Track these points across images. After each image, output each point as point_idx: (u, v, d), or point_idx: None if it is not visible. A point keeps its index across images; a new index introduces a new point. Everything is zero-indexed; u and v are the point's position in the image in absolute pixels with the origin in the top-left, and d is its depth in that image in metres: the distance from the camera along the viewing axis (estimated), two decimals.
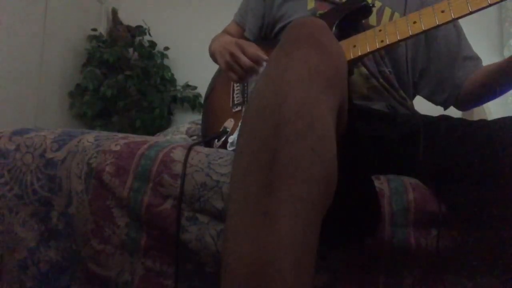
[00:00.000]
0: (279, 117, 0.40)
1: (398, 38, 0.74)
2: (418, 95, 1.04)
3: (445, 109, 1.00)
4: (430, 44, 0.97)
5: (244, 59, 0.86)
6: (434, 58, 0.97)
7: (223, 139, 0.91)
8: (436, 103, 1.00)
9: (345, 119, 0.54)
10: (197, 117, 2.23)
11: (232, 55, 0.88)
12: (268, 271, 0.35)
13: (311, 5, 0.98)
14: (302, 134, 0.40)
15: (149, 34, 2.63)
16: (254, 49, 0.87)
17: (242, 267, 0.36)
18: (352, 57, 0.79)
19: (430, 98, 1.00)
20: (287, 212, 0.37)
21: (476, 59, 0.96)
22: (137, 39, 2.63)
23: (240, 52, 0.87)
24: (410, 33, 0.73)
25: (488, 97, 0.91)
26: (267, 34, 1.08)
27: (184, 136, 1.80)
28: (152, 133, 2.25)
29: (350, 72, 0.87)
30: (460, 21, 0.95)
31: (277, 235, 0.36)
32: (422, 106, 1.07)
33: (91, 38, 2.57)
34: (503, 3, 0.80)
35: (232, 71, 0.89)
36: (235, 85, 1.01)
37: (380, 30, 0.77)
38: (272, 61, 0.48)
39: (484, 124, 0.64)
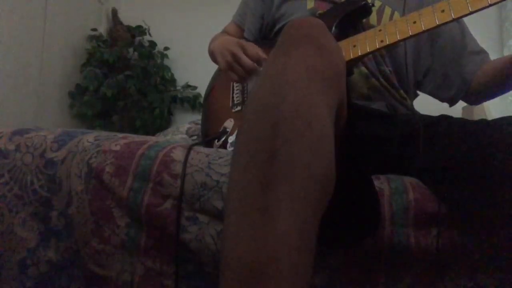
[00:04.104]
0: (277, 116, 0.40)
1: (398, 38, 0.74)
2: (423, 92, 1.03)
3: (451, 105, 0.99)
4: (434, 41, 0.97)
5: (246, 60, 0.86)
6: (439, 55, 0.97)
7: (223, 139, 0.91)
8: (442, 100, 1.00)
9: (344, 118, 0.54)
10: (197, 117, 2.23)
11: (233, 55, 0.88)
12: (266, 270, 0.35)
13: (310, 5, 0.98)
14: (300, 133, 0.40)
15: (149, 34, 2.63)
16: (255, 49, 0.87)
17: (241, 266, 0.36)
18: (352, 57, 0.79)
19: (435, 94, 1.00)
20: (286, 210, 0.37)
21: (483, 53, 0.95)
22: (137, 39, 2.63)
23: (241, 53, 0.87)
24: (410, 33, 0.73)
25: (499, 90, 0.90)
26: (267, 34, 1.08)
27: (184, 136, 1.80)
28: (152, 133, 2.25)
29: (350, 72, 0.87)
30: None
31: (275, 233, 0.36)
32: (422, 106, 1.07)
33: (91, 38, 2.57)
34: (503, 3, 0.79)
35: (233, 71, 0.89)
36: (234, 85, 1.01)
37: (380, 30, 0.77)
38: (271, 60, 0.48)
39: (484, 124, 0.64)
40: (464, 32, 0.96)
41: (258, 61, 0.86)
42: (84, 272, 0.66)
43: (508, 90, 0.88)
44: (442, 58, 0.96)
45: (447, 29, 0.95)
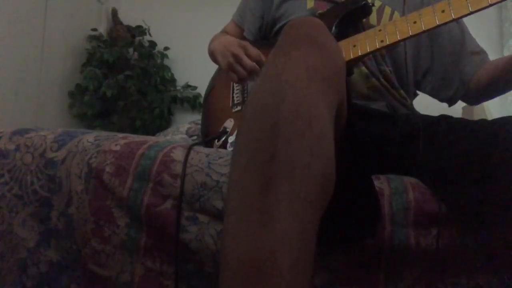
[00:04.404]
0: (277, 117, 0.40)
1: (398, 38, 0.74)
2: (422, 92, 1.03)
3: (450, 105, 1.00)
4: (434, 41, 0.97)
5: (247, 61, 0.86)
6: (438, 55, 0.97)
7: (223, 139, 0.91)
8: (442, 100, 1.00)
9: (344, 118, 0.54)
10: (197, 117, 2.23)
11: (235, 56, 0.88)
12: (266, 270, 0.35)
13: (310, 4, 0.98)
14: (300, 133, 0.40)
15: (149, 34, 2.63)
16: (257, 50, 0.87)
17: (240, 266, 0.36)
18: (352, 56, 0.79)
19: (435, 95, 1.00)
20: (285, 210, 0.37)
21: (482, 53, 0.95)
22: (137, 39, 2.63)
23: (243, 54, 0.87)
24: (410, 33, 0.73)
25: (500, 90, 0.90)
26: (267, 34, 1.08)
27: (184, 136, 1.81)
28: (152, 133, 2.25)
29: (350, 72, 0.87)
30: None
31: (275, 233, 0.36)
32: (422, 106, 1.07)
33: (91, 38, 2.57)
34: (503, 3, 0.80)
35: (234, 71, 0.89)
36: (235, 85, 1.01)
37: (380, 30, 0.77)
38: (270, 61, 0.48)
39: (484, 124, 0.64)
40: (463, 32, 0.96)
41: (259, 62, 0.86)
42: (84, 272, 0.66)
43: (507, 91, 0.89)
44: (442, 58, 0.96)
45: (447, 29, 0.95)
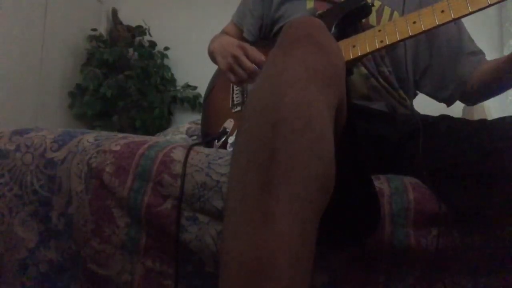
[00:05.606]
0: (277, 116, 0.41)
1: (398, 38, 0.74)
2: (421, 92, 1.03)
3: (448, 106, 1.00)
4: (432, 41, 0.97)
5: (248, 63, 0.86)
6: (436, 55, 0.97)
7: (223, 139, 0.91)
8: (440, 100, 1.00)
9: (344, 118, 0.54)
10: (197, 117, 2.23)
11: (235, 57, 0.88)
12: (266, 270, 0.35)
13: (310, 5, 0.98)
14: (300, 133, 0.40)
15: (149, 34, 2.63)
16: (256, 52, 0.87)
17: (240, 266, 0.36)
18: (351, 57, 0.79)
19: (433, 95, 1.00)
20: (285, 210, 0.37)
21: (479, 53, 0.95)
22: (137, 39, 2.63)
23: (243, 55, 0.87)
24: (410, 33, 0.73)
25: (497, 91, 0.90)
26: (266, 34, 1.08)
27: (184, 136, 1.81)
28: (152, 133, 2.25)
29: (350, 72, 0.87)
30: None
31: (275, 233, 0.36)
32: (422, 105, 1.07)
33: (91, 38, 2.57)
34: (503, 3, 0.79)
35: (233, 73, 0.89)
36: (234, 85, 1.01)
37: (379, 30, 0.77)
38: (270, 60, 0.48)
39: (484, 123, 0.64)
40: (461, 32, 0.96)
41: (259, 64, 0.86)
42: (84, 272, 0.66)
43: (504, 90, 0.89)
44: (440, 59, 0.96)
45: (444, 30, 0.95)
